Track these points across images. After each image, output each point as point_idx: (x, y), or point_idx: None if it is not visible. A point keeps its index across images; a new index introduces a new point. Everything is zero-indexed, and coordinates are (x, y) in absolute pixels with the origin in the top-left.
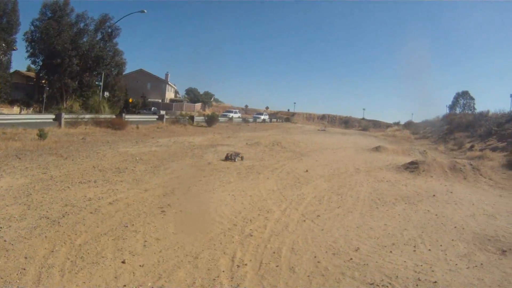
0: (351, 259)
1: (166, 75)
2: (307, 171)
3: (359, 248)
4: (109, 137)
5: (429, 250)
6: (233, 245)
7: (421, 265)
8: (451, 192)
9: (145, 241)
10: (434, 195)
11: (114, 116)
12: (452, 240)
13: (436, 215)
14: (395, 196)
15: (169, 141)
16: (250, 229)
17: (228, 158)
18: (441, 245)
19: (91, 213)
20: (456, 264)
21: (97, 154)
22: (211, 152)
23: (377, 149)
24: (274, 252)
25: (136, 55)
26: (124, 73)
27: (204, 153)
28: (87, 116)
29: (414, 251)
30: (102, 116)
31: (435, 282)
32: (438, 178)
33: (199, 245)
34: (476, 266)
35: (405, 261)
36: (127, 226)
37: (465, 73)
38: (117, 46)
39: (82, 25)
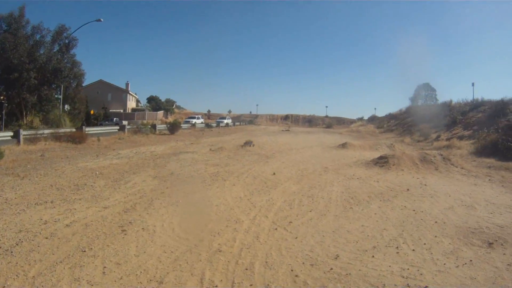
0: (332, 269)
1: (127, 84)
2: (274, 174)
3: (339, 255)
4: (69, 152)
5: (413, 250)
6: (201, 264)
7: (408, 269)
8: (425, 185)
9: (105, 267)
10: (408, 189)
11: (74, 130)
12: (435, 236)
13: (414, 210)
14: (368, 194)
15: (131, 152)
16: (219, 244)
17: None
18: (424, 244)
19: (46, 238)
20: (445, 264)
21: (55, 171)
22: (174, 160)
23: (343, 146)
24: (246, 269)
25: (95, 65)
26: (84, 85)
27: (166, 162)
28: (47, 131)
29: (398, 253)
30: (62, 130)
31: (426, 286)
32: (409, 171)
33: (163, 267)
34: (465, 263)
35: (390, 266)
36: (84, 251)
37: (425, 65)
38: (75, 57)
39: (38, 37)
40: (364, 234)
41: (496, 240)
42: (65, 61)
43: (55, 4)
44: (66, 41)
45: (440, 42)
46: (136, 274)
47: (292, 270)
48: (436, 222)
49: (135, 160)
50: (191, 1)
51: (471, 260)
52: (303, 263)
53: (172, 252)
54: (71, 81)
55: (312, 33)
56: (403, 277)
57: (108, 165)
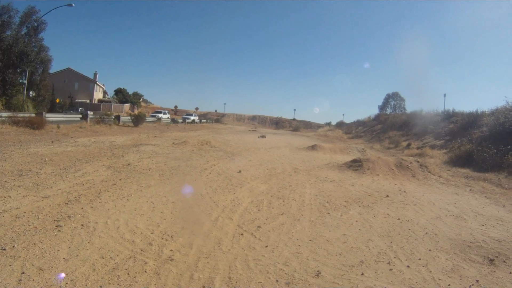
0: None
1: (95, 74)
2: (240, 171)
3: (321, 271)
4: (24, 136)
5: (408, 267)
6: (146, 276)
7: None
8: (405, 192)
9: (23, 273)
10: (387, 196)
11: (33, 115)
12: (430, 250)
13: (399, 219)
14: (345, 198)
15: (89, 141)
16: (171, 250)
17: None
18: (419, 259)
19: None
20: (449, 285)
21: (2, 155)
22: (133, 152)
23: (313, 147)
24: (203, 286)
25: (63, 53)
26: (51, 72)
27: (125, 153)
28: (4, 114)
29: (391, 270)
30: (21, 114)
31: None
32: (385, 177)
33: (96, 279)
34: (472, 284)
35: (385, 287)
36: (5, 249)
37: (395, 75)
38: (43, 42)
39: (6, 17)
40: (347, 245)
41: (497, 257)
42: (33, 44)
43: None
44: (35, 24)
45: (411, 53)
46: (60, 286)
47: None
48: (426, 233)
49: (91, 149)
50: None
51: (477, 281)
52: (277, 280)
53: (111, 258)
54: (37, 66)
55: (281, 36)
56: None
57: (61, 152)
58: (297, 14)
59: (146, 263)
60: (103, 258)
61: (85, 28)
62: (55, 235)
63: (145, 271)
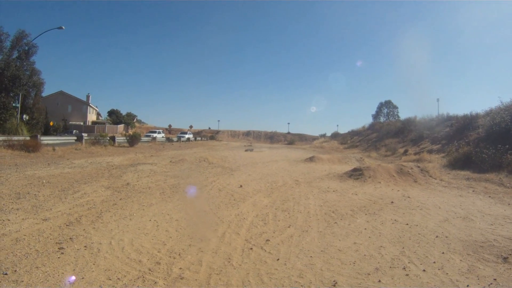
0: None
1: (87, 96)
2: (241, 186)
3: (337, 281)
4: (19, 159)
5: (424, 271)
6: None
7: None
8: (409, 197)
9: None
10: (392, 202)
11: (28, 138)
12: (443, 253)
13: (407, 224)
14: (350, 207)
15: (86, 162)
16: (180, 268)
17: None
18: (434, 262)
19: None
20: (468, 286)
21: None
22: (131, 171)
23: (311, 159)
24: None
25: (55, 76)
26: (43, 95)
27: (123, 173)
28: None
29: (407, 275)
30: (16, 138)
31: None
32: (387, 184)
33: None
34: (491, 283)
35: None
36: (6, 274)
37: (387, 83)
38: (35, 65)
39: None
40: (359, 253)
41: (510, 254)
42: (24, 68)
43: (14, 8)
44: (26, 47)
45: (402, 60)
46: None
47: None
48: (437, 236)
49: (88, 170)
50: (154, 16)
51: (495, 279)
52: None
53: (118, 279)
54: (30, 89)
55: (273, 50)
56: None
57: (58, 173)
58: (288, 25)
59: (156, 282)
60: (110, 279)
61: (76, 50)
62: (58, 257)
63: None
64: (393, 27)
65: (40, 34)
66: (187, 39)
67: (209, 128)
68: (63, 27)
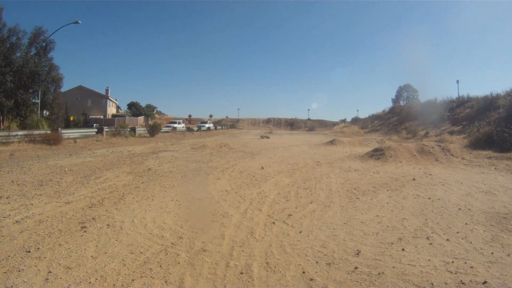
0: (356, 268)
1: (107, 90)
2: (262, 168)
3: (360, 250)
4: (41, 152)
5: (448, 240)
6: (179, 267)
7: (452, 262)
8: (430, 174)
9: (50, 272)
10: (414, 179)
11: (49, 132)
12: (466, 224)
13: (429, 198)
14: (372, 184)
15: (107, 152)
16: (202, 242)
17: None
18: (457, 232)
19: None
20: (492, 253)
21: (21, 169)
22: (152, 158)
23: (332, 142)
24: (241, 273)
25: (74, 70)
26: (63, 91)
27: (144, 160)
28: (20, 132)
29: (431, 244)
30: (37, 132)
31: (485, 282)
32: (408, 163)
33: (127, 273)
34: None
35: (429, 260)
36: (29, 251)
37: (405, 66)
38: (53, 61)
39: (14, 39)
40: (382, 225)
41: None
42: (43, 64)
43: (31, 5)
44: (43, 44)
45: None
46: (89, 282)
47: (304, 272)
48: (459, 209)
49: (110, 158)
50: (171, 6)
51: None
52: (317, 262)
53: (141, 252)
54: (49, 85)
55: (293, 36)
56: (451, 272)
57: (80, 162)
58: (306, 13)
59: (178, 255)
60: (132, 253)
61: (94, 44)
62: (81, 235)
63: (178, 263)
64: (411, 9)
65: (56, 30)
66: (205, 29)
67: (227, 117)
68: (79, 22)
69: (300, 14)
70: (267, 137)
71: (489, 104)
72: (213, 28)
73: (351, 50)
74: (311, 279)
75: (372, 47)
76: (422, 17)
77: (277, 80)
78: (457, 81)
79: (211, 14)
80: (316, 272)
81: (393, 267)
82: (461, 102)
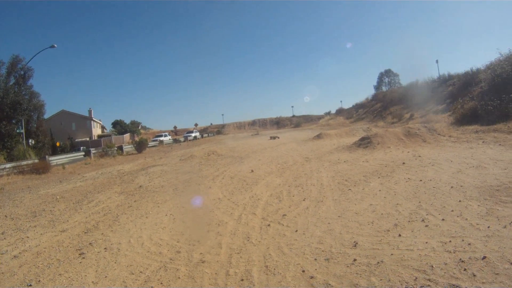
0: (355, 260)
1: (89, 111)
2: (252, 171)
3: (357, 242)
4: (31, 182)
5: (443, 220)
6: (180, 282)
7: (450, 241)
8: (420, 156)
9: None
10: (403, 163)
11: (37, 161)
12: (460, 201)
13: (421, 180)
14: (363, 174)
15: (97, 174)
16: (200, 253)
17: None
18: (452, 211)
19: None
20: (489, 227)
21: (13, 202)
22: (142, 175)
23: (319, 136)
24: (242, 279)
25: (54, 95)
26: (46, 117)
27: (134, 177)
28: (8, 165)
29: (427, 226)
30: (25, 162)
31: (484, 257)
32: (396, 147)
33: None
34: (511, 222)
35: (426, 242)
36: (30, 286)
37: (384, 52)
38: (33, 88)
39: None
40: (376, 213)
41: None
42: (23, 93)
43: (4, 32)
44: (22, 72)
45: (397, 26)
46: None
47: (303, 271)
48: (452, 187)
49: (100, 180)
50: (144, 21)
51: None
52: (315, 259)
53: (141, 272)
54: (32, 113)
55: (271, 36)
56: (450, 252)
57: (71, 188)
58: (280, 10)
59: (178, 269)
60: (132, 274)
61: (72, 66)
62: (80, 262)
63: (179, 278)
64: None
65: (33, 56)
66: (180, 39)
67: (211, 124)
68: (55, 45)
69: (277, 14)
70: (277, 137)
71: (470, 79)
72: (188, 39)
73: (331, 40)
74: (312, 277)
75: (352, 36)
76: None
77: (258, 82)
78: (437, 61)
79: (186, 24)
80: (316, 269)
81: (392, 254)
82: (443, 80)
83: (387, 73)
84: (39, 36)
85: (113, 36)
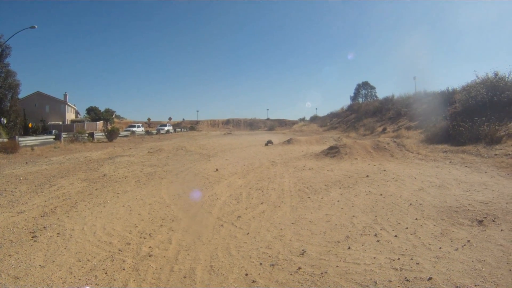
0: (300, 268)
1: (65, 95)
2: (217, 170)
3: (305, 250)
4: None
5: (396, 236)
6: (124, 273)
7: (398, 258)
8: (385, 170)
9: None
10: (367, 176)
11: (6, 140)
12: (416, 219)
13: (381, 195)
14: (325, 183)
15: (64, 158)
16: (149, 247)
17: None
18: (406, 228)
19: None
20: (440, 248)
21: None
22: (108, 164)
23: (289, 141)
24: (185, 277)
25: (31, 76)
26: (20, 97)
27: (100, 166)
28: None
29: (378, 241)
30: None
31: (430, 278)
32: (363, 159)
33: (73, 281)
34: (464, 245)
35: (374, 258)
36: None
37: (363, 65)
38: (9, 67)
39: None
40: (330, 223)
41: (485, 217)
42: None
43: None
44: None
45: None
46: None
47: (246, 274)
48: (410, 204)
49: (66, 165)
50: (126, 8)
51: (469, 241)
52: (261, 263)
53: (88, 260)
54: (6, 92)
55: (251, 37)
56: (396, 269)
57: (36, 171)
58: (265, 14)
59: (124, 261)
60: (80, 261)
61: (51, 49)
62: (31, 245)
63: (124, 269)
64: (369, 7)
65: (12, 35)
66: (161, 33)
67: (183, 119)
68: (36, 26)
69: (256, 16)
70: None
71: (445, 99)
72: (169, 31)
73: (311, 49)
74: (253, 281)
75: (331, 45)
76: (382, 16)
77: (235, 82)
78: (414, 78)
79: (168, 16)
80: (259, 274)
81: (337, 266)
82: (418, 97)
83: (364, 85)
84: (21, 16)
85: (95, 24)
